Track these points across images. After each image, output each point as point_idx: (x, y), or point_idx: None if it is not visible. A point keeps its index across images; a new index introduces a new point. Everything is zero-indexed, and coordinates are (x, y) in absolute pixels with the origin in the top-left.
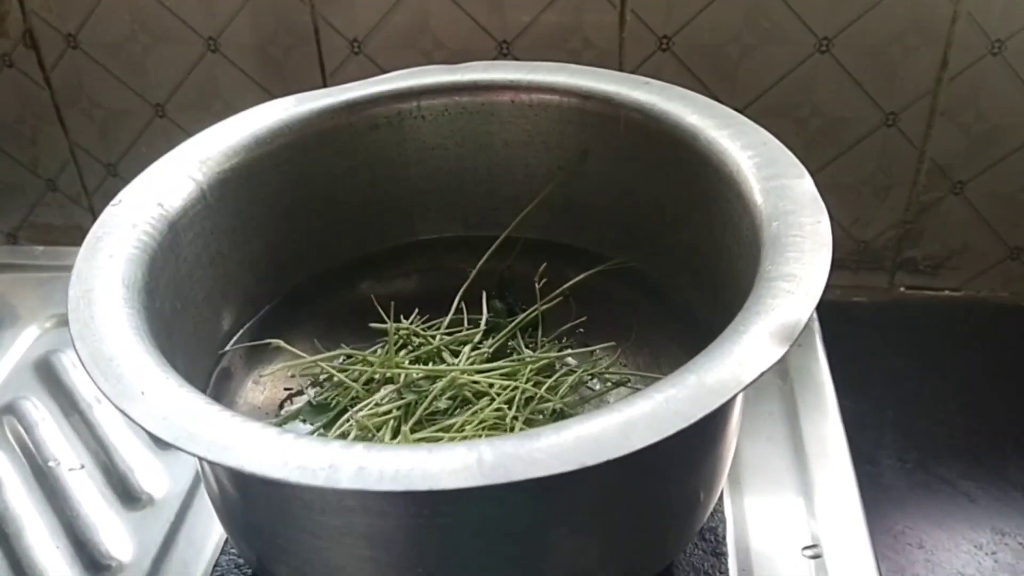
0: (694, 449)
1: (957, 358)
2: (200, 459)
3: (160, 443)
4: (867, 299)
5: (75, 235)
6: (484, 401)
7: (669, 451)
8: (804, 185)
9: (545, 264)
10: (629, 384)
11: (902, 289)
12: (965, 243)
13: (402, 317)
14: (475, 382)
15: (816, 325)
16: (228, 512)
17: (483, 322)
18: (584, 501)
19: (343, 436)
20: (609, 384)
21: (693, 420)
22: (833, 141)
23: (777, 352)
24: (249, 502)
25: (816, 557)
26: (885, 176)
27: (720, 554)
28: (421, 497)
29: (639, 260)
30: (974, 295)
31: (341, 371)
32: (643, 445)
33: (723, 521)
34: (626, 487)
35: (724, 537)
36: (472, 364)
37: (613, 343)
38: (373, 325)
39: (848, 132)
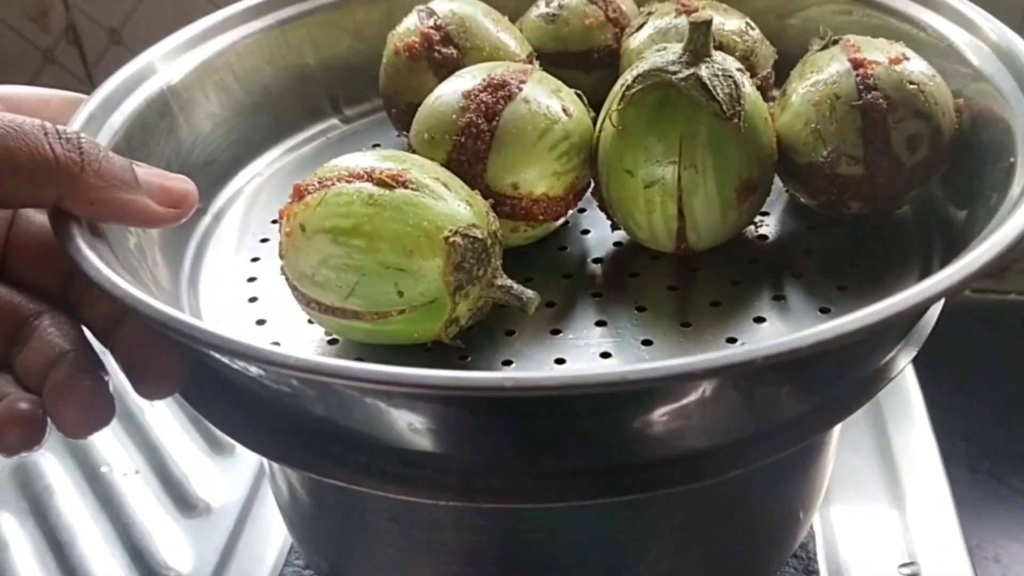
0: (796, 464)
1: None
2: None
3: (216, 445)
4: None
5: None
6: None
7: (772, 467)
8: None
9: None
10: None
11: (967, 292)
12: None
13: None
14: None
15: None
16: (298, 518)
17: None
18: (685, 520)
19: None
20: None
21: None
22: None
23: None
24: (323, 509)
25: None
26: None
27: (812, 572)
28: (519, 513)
29: None
30: None
31: None
32: None
33: (813, 537)
34: (727, 504)
35: (815, 554)
36: None
37: None
38: None
39: None
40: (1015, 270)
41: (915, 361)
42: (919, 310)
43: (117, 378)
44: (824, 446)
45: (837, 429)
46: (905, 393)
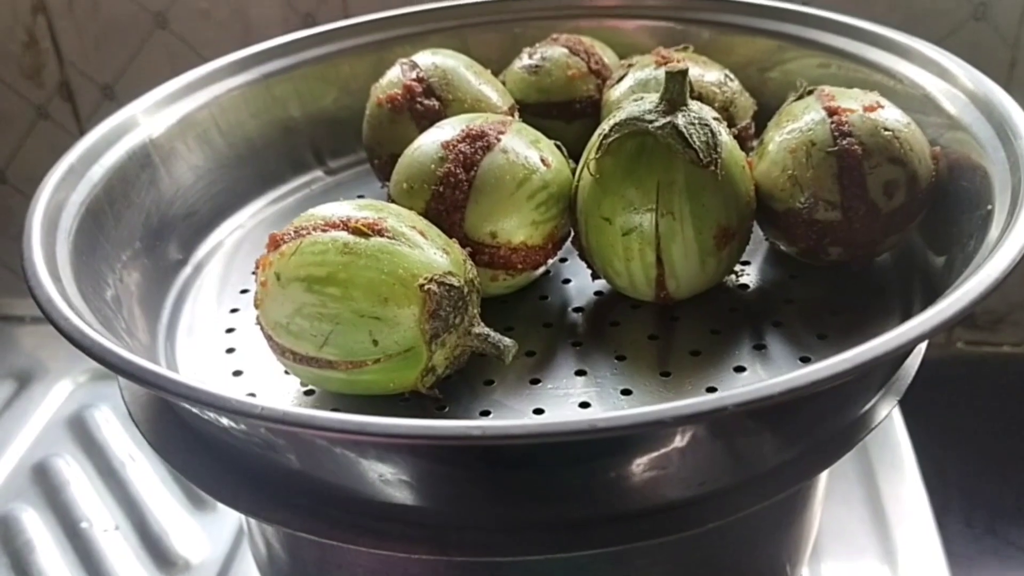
0: (782, 515)
1: (1020, 415)
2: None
3: (197, 502)
4: (924, 355)
5: None
6: None
7: (756, 517)
8: None
9: None
10: None
11: (960, 344)
12: None
13: None
14: None
15: None
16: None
17: None
18: (667, 572)
19: None
20: None
21: None
22: None
23: None
24: (300, 566)
25: None
26: None
27: None
28: (496, 566)
29: None
30: None
31: None
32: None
33: None
34: (710, 556)
35: None
36: None
37: None
38: None
39: None
40: (1009, 322)
41: (909, 413)
42: (891, 358)
43: (100, 432)
44: (810, 496)
45: (823, 479)
46: (895, 445)
